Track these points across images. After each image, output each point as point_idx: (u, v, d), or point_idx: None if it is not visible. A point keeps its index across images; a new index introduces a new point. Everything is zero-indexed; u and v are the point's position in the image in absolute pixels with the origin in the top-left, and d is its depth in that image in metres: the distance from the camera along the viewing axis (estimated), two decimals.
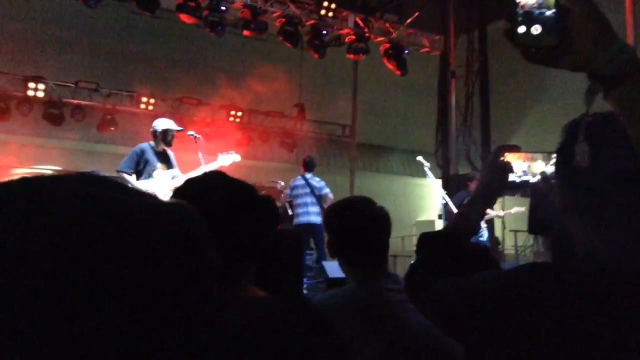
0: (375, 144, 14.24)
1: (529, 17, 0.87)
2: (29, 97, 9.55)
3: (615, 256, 0.96)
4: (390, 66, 9.80)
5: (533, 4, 0.87)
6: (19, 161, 10.71)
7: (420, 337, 1.67)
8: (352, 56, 9.76)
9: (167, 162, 5.70)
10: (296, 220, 7.70)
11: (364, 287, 1.85)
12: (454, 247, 1.30)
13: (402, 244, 13.97)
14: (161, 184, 5.57)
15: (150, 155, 5.67)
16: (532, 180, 1.52)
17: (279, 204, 7.90)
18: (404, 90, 12.86)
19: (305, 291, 5.02)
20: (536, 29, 0.86)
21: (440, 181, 9.05)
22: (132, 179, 5.48)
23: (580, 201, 1.03)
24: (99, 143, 10.81)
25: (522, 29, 0.86)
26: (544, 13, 0.87)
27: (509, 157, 1.46)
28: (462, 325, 1.07)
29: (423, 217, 15.30)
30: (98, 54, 10.89)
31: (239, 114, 11.27)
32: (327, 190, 7.68)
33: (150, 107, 10.51)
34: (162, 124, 5.77)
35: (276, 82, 11.00)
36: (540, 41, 0.86)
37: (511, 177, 1.47)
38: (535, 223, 1.38)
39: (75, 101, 10.06)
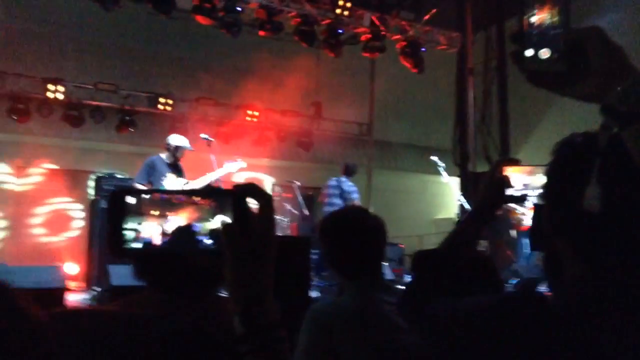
0: (393, 142, 14.17)
1: (538, 39, 0.81)
2: (48, 99, 9.67)
3: (599, 286, 0.94)
4: (406, 64, 9.73)
5: (544, 25, 0.81)
6: (40, 161, 10.90)
7: (412, 354, 1.66)
8: (368, 54, 9.71)
9: (177, 172, 6.03)
10: None
11: (360, 299, 1.83)
12: (449, 265, 1.28)
13: (420, 242, 13.88)
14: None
15: (160, 166, 6.06)
16: (532, 194, 1.49)
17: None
18: (421, 87, 12.78)
19: (317, 293, 5.02)
20: (545, 53, 0.80)
21: (457, 179, 8.98)
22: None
23: (567, 226, 1.01)
24: (119, 144, 10.92)
25: (529, 52, 0.80)
26: (554, 35, 0.81)
27: (509, 170, 1.43)
28: (454, 353, 1.05)
29: (442, 215, 15.19)
30: (116, 56, 10.99)
31: (256, 113, 11.29)
32: (355, 195, 7.78)
33: (169, 108, 10.58)
34: (176, 140, 6.17)
35: (292, 81, 11.00)
36: (549, 66, 0.80)
37: (510, 191, 1.44)
38: (537, 240, 1.35)
39: (95, 103, 10.16)
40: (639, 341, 0.89)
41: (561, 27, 0.81)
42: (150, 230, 0.74)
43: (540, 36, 0.82)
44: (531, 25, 0.82)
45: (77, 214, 10.80)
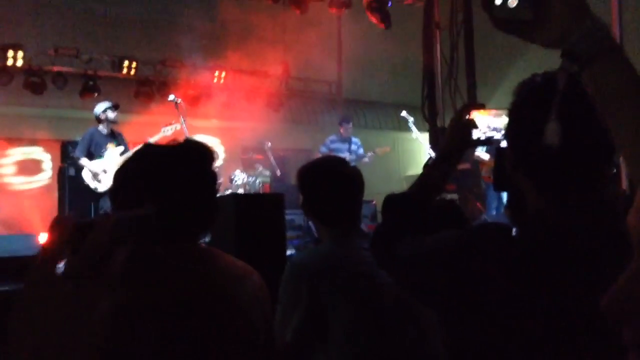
0: (363, 100, 14.13)
1: None
2: (7, 66, 9.37)
3: (557, 219, 0.98)
4: (373, 19, 9.63)
5: None
6: (2, 132, 10.60)
7: (391, 297, 1.71)
8: (334, 10, 9.59)
9: (114, 141, 6.12)
10: None
11: (340, 247, 1.87)
12: (418, 208, 1.31)
13: None
14: (111, 161, 6.13)
15: (99, 138, 6.32)
16: (497, 136, 1.53)
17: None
18: (389, 43, 12.69)
19: (293, 251, 5.08)
20: (512, 2, 0.84)
21: (427, 135, 9.03)
22: (86, 162, 6.12)
23: (527, 162, 1.04)
24: (83, 110, 10.66)
25: (498, 1, 0.84)
26: None
27: (474, 114, 1.46)
28: (424, 287, 1.09)
29: (413, 172, 15.33)
30: (75, 18, 10.63)
31: (223, 74, 11.13)
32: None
33: (132, 72, 10.34)
34: (100, 107, 6.41)
35: (259, 40, 10.82)
36: (516, 14, 0.84)
37: (476, 134, 1.47)
38: (500, 181, 1.39)
39: (56, 68, 9.88)
40: (598, 271, 0.93)
41: None
42: None
43: None
44: None
45: (48, 183, 10.61)
